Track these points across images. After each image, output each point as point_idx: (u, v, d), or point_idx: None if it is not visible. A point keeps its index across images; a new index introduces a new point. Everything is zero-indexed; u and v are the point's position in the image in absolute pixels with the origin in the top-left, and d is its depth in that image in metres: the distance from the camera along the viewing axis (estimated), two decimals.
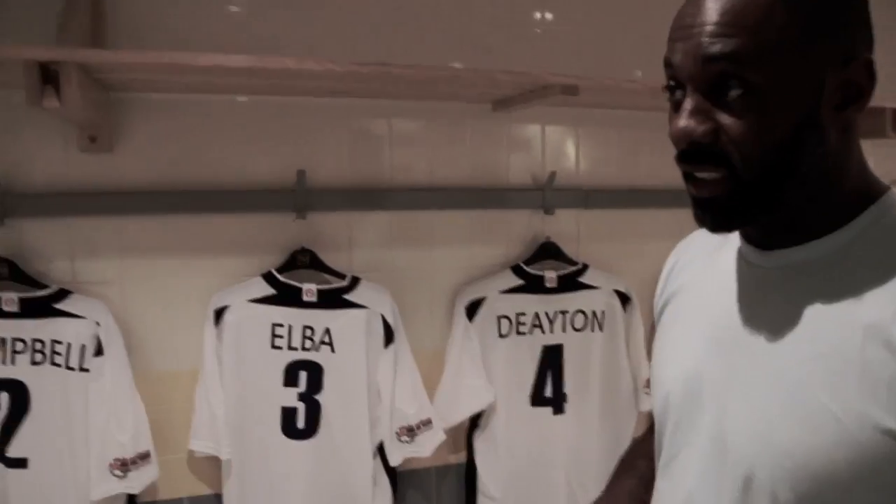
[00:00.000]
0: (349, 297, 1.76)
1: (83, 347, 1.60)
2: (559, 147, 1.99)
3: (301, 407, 1.73)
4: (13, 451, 1.57)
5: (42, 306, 1.59)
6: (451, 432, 1.86)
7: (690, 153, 0.74)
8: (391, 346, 1.78)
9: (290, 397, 1.72)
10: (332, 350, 1.74)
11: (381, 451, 1.79)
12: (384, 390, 1.77)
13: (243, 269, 1.72)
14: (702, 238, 0.96)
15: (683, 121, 0.73)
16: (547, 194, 1.93)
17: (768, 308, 0.78)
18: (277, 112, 1.73)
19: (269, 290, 1.72)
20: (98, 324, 1.61)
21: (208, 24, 1.66)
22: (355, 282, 1.77)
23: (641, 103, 1.81)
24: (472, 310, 1.88)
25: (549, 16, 1.93)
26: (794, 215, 0.76)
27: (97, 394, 1.61)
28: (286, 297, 1.72)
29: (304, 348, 1.73)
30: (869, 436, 0.66)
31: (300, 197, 1.72)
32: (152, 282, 1.69)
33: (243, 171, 1.72)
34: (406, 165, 1.84)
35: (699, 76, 0.72)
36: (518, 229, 1.95)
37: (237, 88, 1.64)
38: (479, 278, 1.90)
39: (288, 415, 1.72)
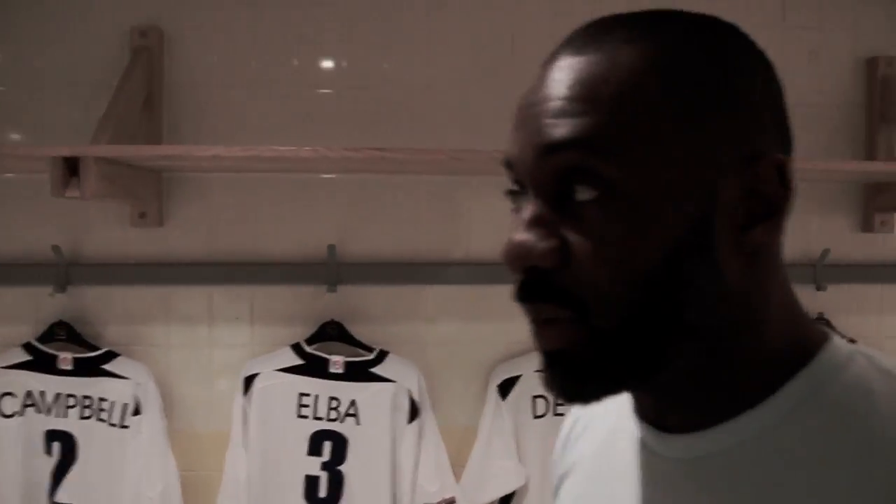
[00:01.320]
0: (376, 370, 1.78)
1: (125, 406, 1.74)
2: None
3: (324, 476, 1.76)
4: (60, 497, 1.73)
5: (92, 366, 1.74)
6: None
7: (530, 284, 0.51)
8: (416, 422, 1.77)
9: (314, 466, 1.76)
10: (357, 422, 1.76)
11: None
12: (406, 466, 1.76)
13: (277, 339, 1.79)
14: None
15: (518, 235, 0.51)
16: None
17: None
18: (309, 188, 1.80)
19: (297, 360, 1.77)
20: (139, 384, 1.74)
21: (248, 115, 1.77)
22: (383, 355, 1.79)
23: None
24: (506, 388, 1.82)
25: None
26: (690, 384, 0.54)
27: (133, 450, 1.73)
28: (314, 367, 1.77)
29: (329, 419, 1.76)
30: None
31: (331, 270, 1.76)
32: (193, 347, 1.81)
33: (278, 245, 1.80)
34: (439, 239, 1.84)
35: (539, 173, 0.51)
36: None
37: (270, 168, 1.72)
38: (515, 355, 1.85)
39: (311, 483, 1.76)
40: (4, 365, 1.74)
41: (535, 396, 1.83)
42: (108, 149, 1.42)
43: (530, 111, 0.51)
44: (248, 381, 1.76)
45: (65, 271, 1.74)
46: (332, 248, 1.76)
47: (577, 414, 0.75)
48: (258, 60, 1.80)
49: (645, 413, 0.59)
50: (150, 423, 1.74)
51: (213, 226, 1.80)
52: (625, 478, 0.60)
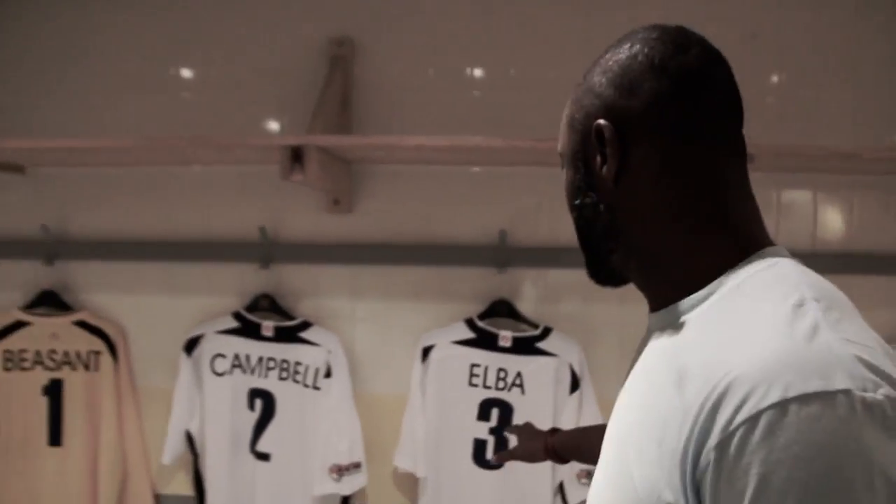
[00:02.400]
0: (541, 345, 1.95)
1: (317, 370, 1.97)
2: None
3: (491, 440, 1.94)
4: (261, 447, 1.97)
5: (290, 334, 1.99)
6: None
7: None
8: (576, 393, 1.93)
9: (483, 430, 1.94)
10: (523, 392, 1.94)
11: (561, 490, 1.94)
12: None
13: (449, 314, 1.99)
14: None
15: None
16: None
17: (635, 372, 0.79)
18: (481, 179, 1.99)
19: (469, 334, 1.96)
20: (330, 351, 1.97)
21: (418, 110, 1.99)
22: (547, 331, 1.96)
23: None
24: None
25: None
26: (641, 280, 0.80)
27: (325, 409, 1.96)
28: (484, 341, 1.96)
29: (497, 388, 1.95)
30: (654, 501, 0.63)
31: (500, 253, 1.95)
32: (376, 319, 2.03)
33: (453, 230, 2.00)
34: None
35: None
36: None
37: (448, 160, 1.93)
38: None
39: (479, 446, 1.94)
40: (217, 330, 2.01)
41: None
42: (328, 138, 1.65)
43: None
44: (426, 351, 1.96)
45: (269, 250, 1.99)
46: (503, 233, 1.95)
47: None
48: (434, 67, 2.02)
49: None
50: (339, 386, 1.97)
51: (396, 212, 2.01)
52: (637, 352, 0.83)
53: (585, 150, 0.78)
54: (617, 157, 0.74)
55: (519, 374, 1.94)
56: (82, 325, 2.08)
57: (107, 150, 1.80)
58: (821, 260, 1.90)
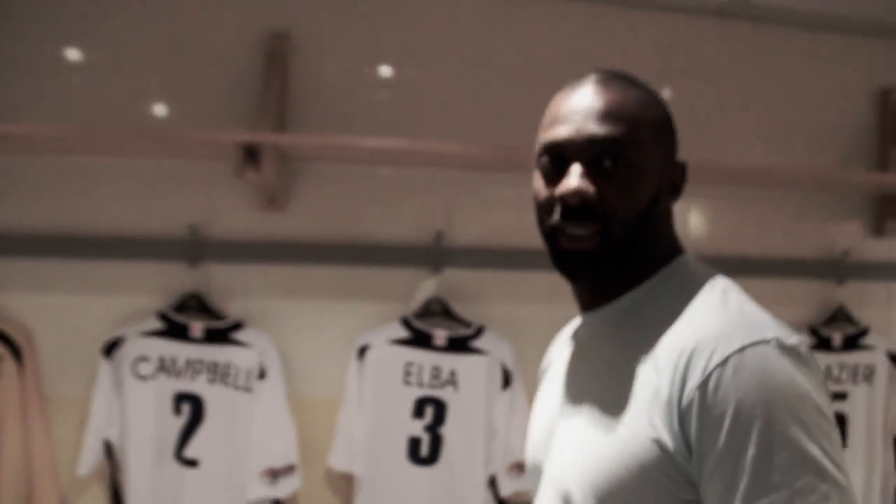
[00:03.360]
0: (474, 343, 2.01)
1: (249, 372, 1.92)
2: None
3: (426, 437, 1.98)
4: (188, 453, 1.90)
5: (221, 335, 1.92)
6: None
7: (574, 211, 0.88)
8: (508, 390, 2.01)
9: (417, 428, 1.98)
10: (456, 389, 1.99)
11: (492, 482, 2.01)
12: (500, 429, 2.00)
13: (382, 315, 2.00)
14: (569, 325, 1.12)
15: (578, 183, 0.87)
16: None
17: (592, 357, 0.96)
18: (419, 181, 2.02)
19: (405, 334, 1.99)
20: (263, 353, 1.92)
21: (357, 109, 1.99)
22: (480, 330, 2.02)
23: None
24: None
25: None
26: (620, 275, 0.92)
27: (258, 411, 1.92)
28: (420, 340, 1.99)
29: (431, 386, 1.98)
30: (642, 447, 0.80)
31: (435, 254, 1.99)
32: (309, 320, 2.01)
33: (386, 231, 2.01)
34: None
35: (584, 150, 0.88)
36: None
37: (382, 161, 1.94)
38: None
39: (414, 443, 1.97)
40: (141, 331, 1.91)
41: None
42: (285, 137, 1.62)
43: (576, 114, 0.89)
44: (362, 350, 1.97)
45: (198, 248, 1.92)
46: (439, 233, 1.99)
47: (551, 346, 1.17)
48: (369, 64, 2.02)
49: (582, 305, 1.00)
50: (273, 387, 1.93)
51: (331, 212, 2.00)
52: (571, 352, 1.03)
53: (665, 171, 0.93)
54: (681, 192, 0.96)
55: (453, 373, 1.99)
56: None
57: (39, 138, 1.66)
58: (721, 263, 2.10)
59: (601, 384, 0.90)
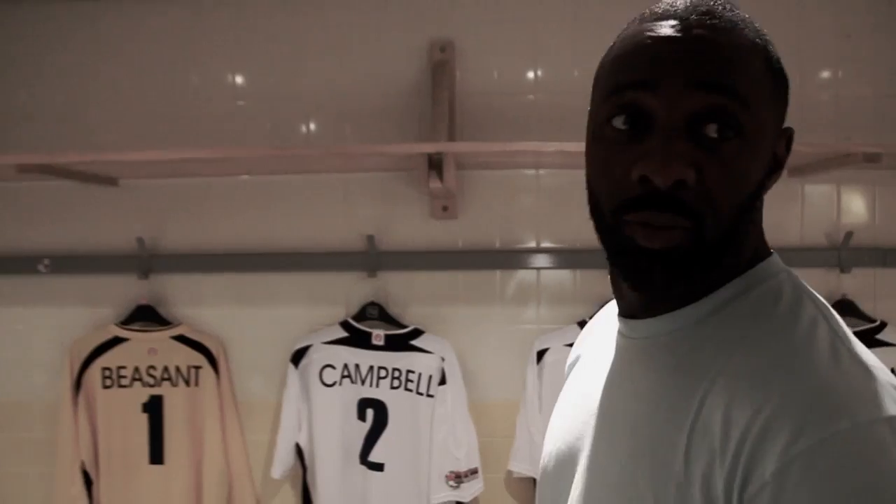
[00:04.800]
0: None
1: (430, 377, 1.95)
2: (853, 207, 2.05)
3: None
4: (373, 457, 1.95)
5: (401, 342, 1.97)
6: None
7: (659, 198, 0.62)
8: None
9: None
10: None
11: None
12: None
13: (559, 317, 1.99)
14: (608, 307, 0.88)
15: (673, 159, 0.61)
16: (843, 254, 2.00)
17: (627, 381, 0.73)
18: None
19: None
20: (443, 359, 1.95)
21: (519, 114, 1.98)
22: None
23: None
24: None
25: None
26: (684, 285, 0.67)
27: (439, 416, 1.95)
28: None
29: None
30: None
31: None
32: (484, 325, 2.02)
33: (555, 234, 2.00)
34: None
35: (682, 108, 0.61)
36: None
37: (549, 165, 1.93)
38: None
39: None
40: (325, 340, 1.98)
41: None
42: (464, 145, 1.64)
43: (679, 56, 0.62)
44: (540, 354, 1.96)
45: (376, 258, 1.97)
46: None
47: (591, 323, 0.95)
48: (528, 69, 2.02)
49: (624, 311, 0.75)
50: (454, 392, 1.96)
51: (497, 217, 2.01)
52: (604, 359, 0.78)
53: (773, 137, 0.67)
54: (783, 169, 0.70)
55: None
56: (181, 339, 2.03)
57: (226, 161, 1.77)
58: None
59: (635, 426, 0.68)
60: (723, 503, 0.57)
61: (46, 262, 2.07)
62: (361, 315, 2.00)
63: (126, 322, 2.04)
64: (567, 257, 1.99)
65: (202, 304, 2.07)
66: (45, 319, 2.10)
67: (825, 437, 0.53)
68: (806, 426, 0.53)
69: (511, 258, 2.00)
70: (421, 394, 1.96)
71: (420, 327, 1.98)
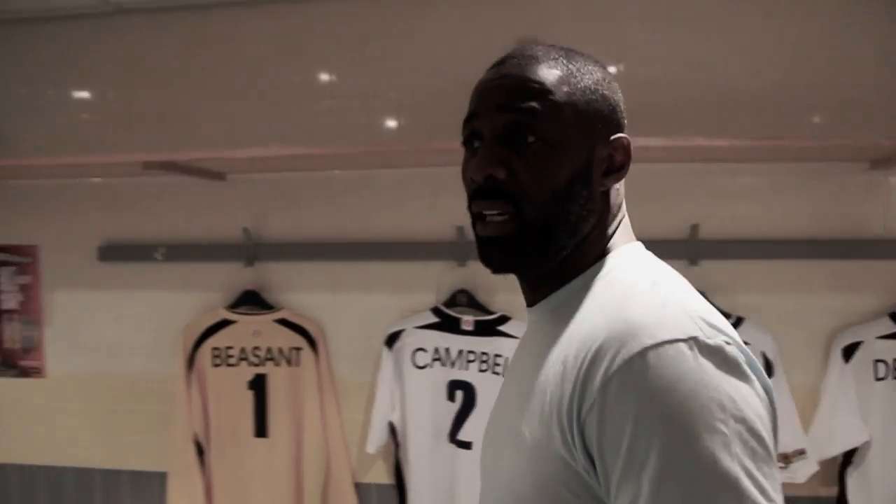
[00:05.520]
0: None
1: None
2: None
3: None
4: (462, 436, 2.07)
5: (489, 327, 2.07)
6: (823, 466, 2.01)
7: (483, 191, 0.82)
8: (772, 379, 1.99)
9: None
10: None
11: None
12: None
13: None
14: None
15: (484, 161, 0.81)
16: None
17: (526, 350, 0.90)
18: (671, 175, 2.05)
19: None
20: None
21: None
22: (739, 321, 2.02)
23: None
24: (849, 352, 2.01)
25: None
26: (555, 267, 0.85)
27: None
28: None
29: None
30: (546, 459, 0.74)
31: (691, 247, 2.01)
32: None
33: (645, 225, 2.05)
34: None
35: (497, 125, 0.82)
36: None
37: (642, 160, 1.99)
38: (856, 324, 2.03)
39: None
40: (417, 325, 2.10)
41: (877, 361, 2.01)
42: None
43: (496, 87, 0.84)
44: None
45: (465, 248, 2.08)
46: (694, 227, 2.01)
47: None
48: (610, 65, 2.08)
49: (527, 303, 0.93)
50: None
51: None
52: (520, 345, 0.99)
53: (596, 146, 0.84)
54: (626, 172, 0.88)
55: None
56: (284, 322, 2.19)
57: (324, 157, 1.90)
58: None
59: (524, 388, 0.83)
60: (568, 427, 0.73)
61: (162, 250, 2.25)
62: (452, 302, 2.11)
63: (233, 306, 2.21)
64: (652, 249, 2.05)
65: (302, 290, 2.22)
66: (160, 303, 2.30)
67: (635, 354, 0.68)
68: (622, 347, 0.69)
69: None
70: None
71: (507, 314, 2.08)
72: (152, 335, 2.30)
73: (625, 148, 0.86)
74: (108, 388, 2.37)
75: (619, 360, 0.69)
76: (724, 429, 0.65)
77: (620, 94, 0.90)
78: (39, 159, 2.11)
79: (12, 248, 2.43)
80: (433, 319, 2.10)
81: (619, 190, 0.89)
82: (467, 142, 0.87)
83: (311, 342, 2.18)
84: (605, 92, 0.86)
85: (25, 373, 2.46)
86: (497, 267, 0.85)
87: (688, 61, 2.04)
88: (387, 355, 2.11)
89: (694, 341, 0.68)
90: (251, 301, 2.21)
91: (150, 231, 2.29)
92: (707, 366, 0.68)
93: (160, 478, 2.29)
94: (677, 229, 2.04)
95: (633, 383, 0.68)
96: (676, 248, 2.03)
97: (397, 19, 2.15)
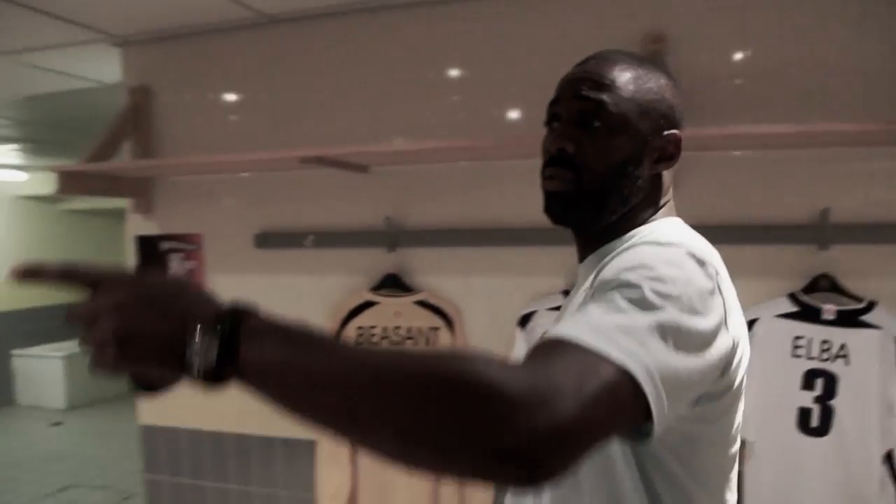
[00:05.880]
0: (865, 318, 2.02)
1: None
2: None
3: (816, 409, 2.04)
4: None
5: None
6: None
7: (555, 159, 1.03)
8: None
9: (807, 399, 2.04)
10: (847, 363, 2.02)
11: (889, 458, 2.01)
12: None
13: (769, 291, 2.10)
14: None
15: (559, 137, 1.03)
16: None
17: (568, 302, 1.09)
18: (798, 161, 2.07)
19: (792, 308, 2.07)
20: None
21: (728, 99, 2.08)
22: (871, 305, 2.02)
23: None
24: None
25: None
26: (604, 228, 1.04)
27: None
28: (807, 314, 2.05)
29: (820, 359, 2.04)
30: None
31: (819, 231, 2.03)
32: None
33: (769, 211, 2.10)
34: None
35: (573, 110, 1.02)
36: None
37: (766, 146, 2.03)
38: None
39: (803, 414, 2.05)
40: (549, 307, 2.22)
41: None
42: (697, 131, 1.79)
43: (572, 82, 1.04)
44: (750, 324, 2.08)
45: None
46: (825, 211, 2.03)
47: None
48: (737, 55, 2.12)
49: (579, 258, 1.11)
50: None
51: (715, 195, 2.14)
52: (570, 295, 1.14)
53: (651, 137, 1.03)
54: (675, 162, 1.07)
55: (843, 346, 2.03)
56: (422, 304, 2.36)
57: (459, 149, 2.05)
58: None
59: (568, 313, 1.02)
60: None
61: (311, 238, 2.47)
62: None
63: (376, 288, 2.40)
64: (778, 233, 2.09)
65: (439, 273, 2.38)
66: (309, 286, 2.52)
67: (634, 244, 0.93)
68: (614, 254, 0.93)
69: (728, 233, 2.12)
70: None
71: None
72: (303, 315, 2.52)
73: (677, 142, 1.05)
74: None
75: (620, 249, 0.95)
76: (654, 265, 0.83)
77: (680, 99, 1.07)
78: (206, 157, 2.37)
79: (180, 237, 2.71)
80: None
81: (669, 175, 1.08)
82: (549, 122, 1.07)
83: (449, 322, 2.34)
84: (666, 95, 1.04)
85: None
86: (556, 217, 1.06)
87: (814, 45, 2.06)
88: (519, 335, 2.24)
89: (680, 245, 0.90)
90: (392, 284, 2.39)
91: (301, 220, 2.52)
92: (672, 251, 0.88)
93: (309, 445, 2.51)
94: (806, 214, 2.07)
95: (628, 252, 0.90)
96: (804, 234, 2.05)
97: (525, 18, 2.26)
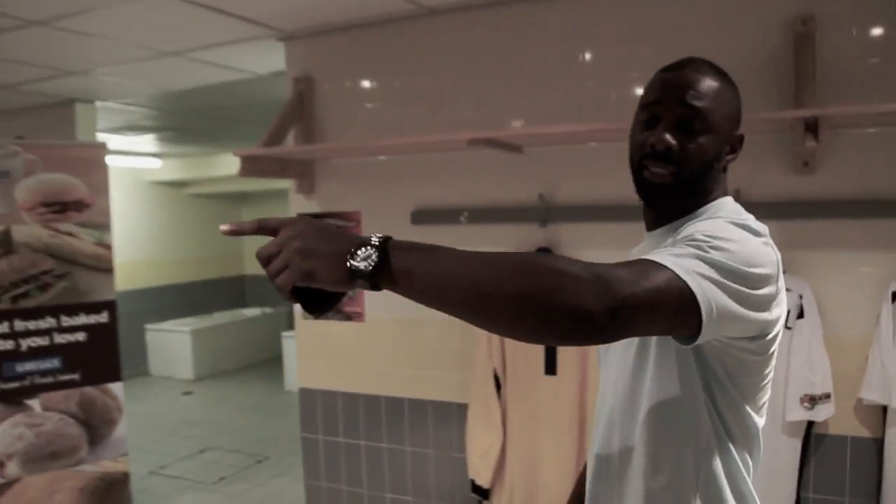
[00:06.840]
0: None
1: (789, 312, 2.24)
2: None
3: None
4: None
5: None
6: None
7: (657, 154, 1.19)
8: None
9: None
10: None
11: None
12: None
13: None
14: None
15: (666, 135, 1.18)
16: None
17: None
18: None
19: None
20: (801, 296, 2.24)
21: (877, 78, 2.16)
22: None
23: None
24: None
25: None
26: (679, 206, 1.23)
27: (797, 346, 2.24)
28: None
29: None
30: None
31: None
32: (838, 267, 2.27)
33: None
34: None
35: (676, 113, 1.18)
36: None
37: None
38: None
39: None
40: None
41: None
42: (835, 109, 1.91)
43: (675, 88, 1.19)
44: (894, 295, 2.18)
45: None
46: None
47: None
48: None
49: (647, 226, 1.30)
50: (811, 325, 2.24)
51: (856, 171, 2.23)
52: None
53: (728, 135, 1.23)
54: (737, 155, 1.28)
55: None
56: None
57: (604, 131, 2.23)
58: None
59: None
60: None
61: (466, 214, 2.68)
62: None
63: None
64: None
65: (590, 247, 2.55)
66: None
67: (710, 216, 1.16)
68: (699, 220, 1.17)
69: (865, 208, 2.21)
70: (786, 327, 2.26)
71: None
72: None
73: (741, 139, 1.25)
74: (415, 331, 2.86)
75: (692, 222, 1.16)
76: (718, 233, 1.03)
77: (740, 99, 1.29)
78: (373, 141, 2.61)
79: (340, 215, 2.97)
80: None
81: (729, 165, 1.29)
82: (649, 120, 1.23)
83: None
84: (738, 102, 1.24)
85: (350, 317, 3.01)
86: (655, 203, 1.25)
87: None
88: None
89: (730, 220, 1.11)
90: None
91: (455, 198, 2.73)
92: (733, 225, 1.08)
93: (457, 408, 2.73)
94: None
95: (701, 224, 1.11)
96: None
97: (648, 10, 2.41)
